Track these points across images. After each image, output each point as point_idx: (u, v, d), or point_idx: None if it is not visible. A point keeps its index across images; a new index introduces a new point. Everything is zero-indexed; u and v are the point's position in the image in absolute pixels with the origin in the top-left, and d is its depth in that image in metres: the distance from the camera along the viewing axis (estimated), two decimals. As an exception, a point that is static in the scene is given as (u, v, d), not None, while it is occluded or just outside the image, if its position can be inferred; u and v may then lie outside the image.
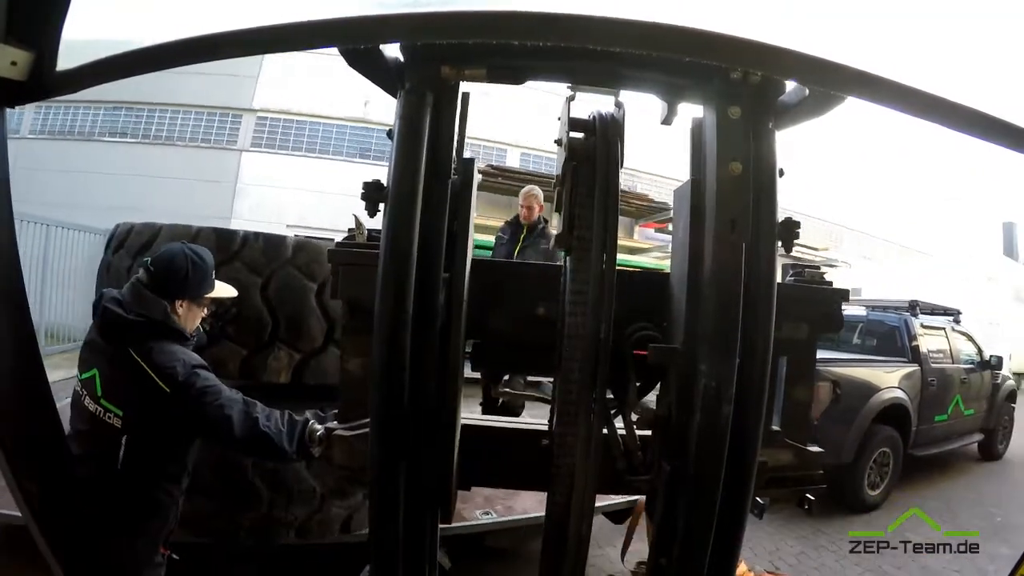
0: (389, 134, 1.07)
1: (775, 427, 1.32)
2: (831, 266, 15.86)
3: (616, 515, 3.05)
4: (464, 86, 1.13)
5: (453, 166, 1.14)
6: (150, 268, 1.66)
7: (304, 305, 2.39)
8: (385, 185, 1.06)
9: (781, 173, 1.07)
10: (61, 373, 2.85)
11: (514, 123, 12.30)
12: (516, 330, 1.36)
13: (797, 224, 1.15)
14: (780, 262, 1.11)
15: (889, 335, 5.73)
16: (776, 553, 3.82)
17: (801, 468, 1.31)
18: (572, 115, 1.17)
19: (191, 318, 1.73)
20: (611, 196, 1.09)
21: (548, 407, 1.34)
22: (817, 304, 1.34)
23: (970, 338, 6.32)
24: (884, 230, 18.07)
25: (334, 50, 0.99)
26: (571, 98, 1.20)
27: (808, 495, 1.31)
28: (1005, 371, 6.79)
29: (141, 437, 1.57)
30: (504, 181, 8.49)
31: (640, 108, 1.20)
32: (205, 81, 11.73)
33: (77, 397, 1.65)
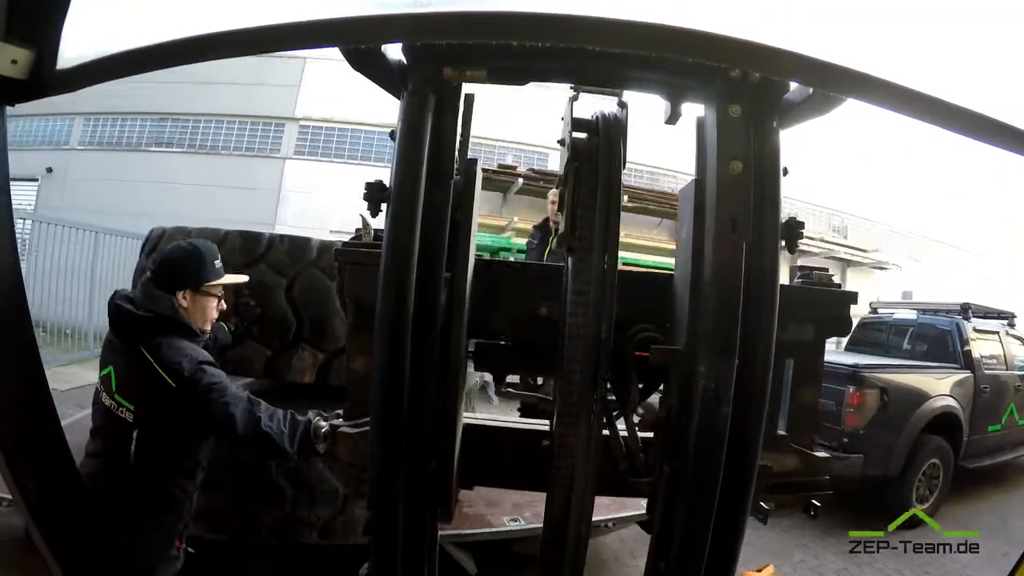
0: (392, 135, 1.07)
1: (780, 431, 1.29)
2: (881, 268, 15.42)
3: (651, 525, 3.01)
4: (475, 88, 1.13)
5: (456, 167, 1.14)
6: (152, 266, 1.72)
7: (328, 306, 2.42)
8: (387, 185, 1.06)
9: (785, 172, 1.06)
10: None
11: (555, 126, 12.19)
12: (518, 330, 1.36)
13: (801, 224, 1.14)
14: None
15: (940, 339, 5.43)
16: (817, 570, 3.64)
17: (807, 474, 1.28)
18: (575, 115, 1.17)
19: (199, 310, 1.74)
20: (613, 196, 1.08)
21: None
22: (824, 306, 1.31)
23: (1025, 343, 6.02)
24: (934, 231, 17.18)
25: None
26: (574, 98, 1.19)
27: (814, 501, 1.27)
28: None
29: (151, 432, 1.61)
30: (546, 184, 8.48)
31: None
32: (248, 91, 11.93)
33: (96, 393, 1.71)
